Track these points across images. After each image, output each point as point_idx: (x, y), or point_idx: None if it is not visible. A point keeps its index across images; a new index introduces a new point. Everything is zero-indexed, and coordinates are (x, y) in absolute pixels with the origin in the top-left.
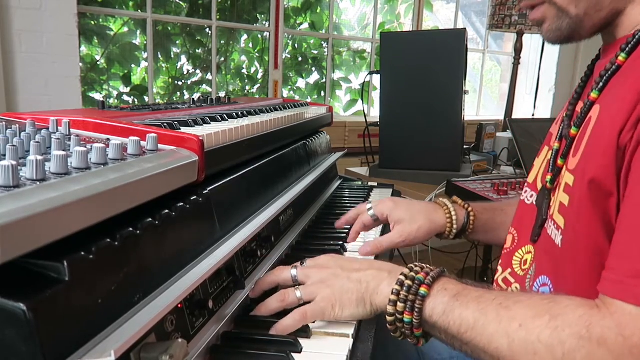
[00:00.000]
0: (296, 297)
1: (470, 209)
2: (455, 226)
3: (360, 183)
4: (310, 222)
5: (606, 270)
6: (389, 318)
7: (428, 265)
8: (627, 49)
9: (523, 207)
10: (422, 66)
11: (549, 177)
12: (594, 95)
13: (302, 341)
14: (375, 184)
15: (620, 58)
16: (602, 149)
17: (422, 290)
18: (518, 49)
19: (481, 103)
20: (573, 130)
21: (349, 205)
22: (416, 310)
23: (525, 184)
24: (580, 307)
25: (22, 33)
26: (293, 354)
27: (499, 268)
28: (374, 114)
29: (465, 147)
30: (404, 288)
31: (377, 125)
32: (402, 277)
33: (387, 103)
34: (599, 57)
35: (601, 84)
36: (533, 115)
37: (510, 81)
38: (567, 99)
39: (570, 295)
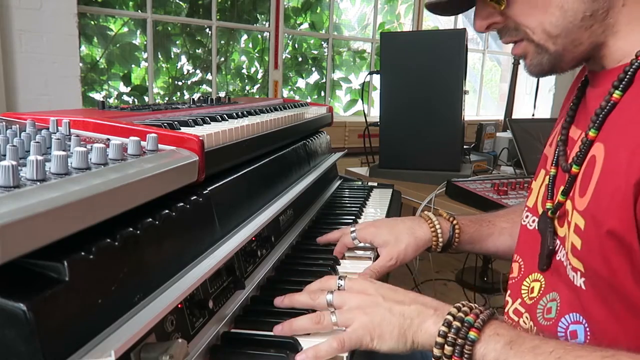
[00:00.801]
0: (331, 321)
1: (455, 222)
2: (441, 239)
3: (360, 183)
4: (310, 222)
5: None
6: None
7: (476, 305)
8: (621, 86)
9: (526, 233)
10: (422, 66)
11: (549, 205)
12: (592, 134)
13: (301, 340)
14: (375, 184)
15: (615, 96)
16: (617, 200)
17: (472, 334)
18: None
19: (481, 103)
20: (574, 169)
21: (349, 205)
22: (465, 355)
23: (525, 209)
24: None
25: (22, 33)
26: (293, 354)
27: (508, 299)
28: (374, 114)
29: (465, 147)
30: (452, 330)
31: (377, 125)
32: (450, 318)
33: (387, 103)
34: (587, 82)
35: (597, 122)
36: (533, 115)
37: (510, 81)
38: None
39: (614, 340)
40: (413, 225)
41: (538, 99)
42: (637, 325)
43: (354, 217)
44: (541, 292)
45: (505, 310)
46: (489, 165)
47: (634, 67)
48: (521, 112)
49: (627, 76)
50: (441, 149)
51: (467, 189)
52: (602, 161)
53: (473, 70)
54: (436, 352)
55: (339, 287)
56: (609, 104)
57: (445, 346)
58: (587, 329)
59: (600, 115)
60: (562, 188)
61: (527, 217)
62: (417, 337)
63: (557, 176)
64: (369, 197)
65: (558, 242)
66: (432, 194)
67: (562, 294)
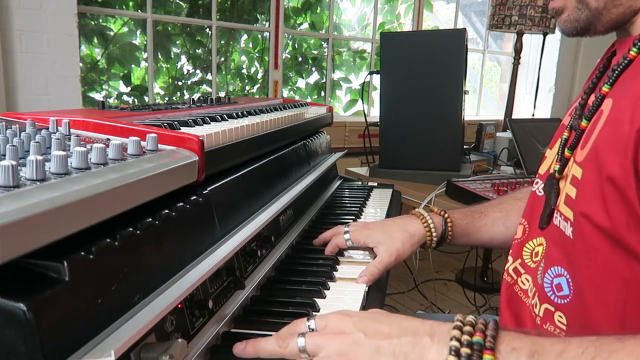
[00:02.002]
0: None
1: (446, 215)
2: (435, 234)
3: (360, 183)
4: (310, 222)
5: None
6: None
7: (474, 318)
8: (639, 44)
9: (534, 198)
10: (422, 66)
11: (557, 167)
12: (605, 88)
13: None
14: (375, 184)
15: (632, 52)
16: (619, 147)
17: (487, 357)
18: (518, 49)
19: (481, 103)
20: (584, 123)
21: (349, 205)
22: None
23: (537, 176)
24: None
25: (22, 33)
26: None
27: (509, 258)
28: (374, 114)
29: (465, 147)
30: (463, 358)
31: (377, 125)
32: (455, 344)
33: (387, 103)
34: (615, 53)
35: (613, 77)
36: (533, 115)
37: (510, 81)
38: (567, 98)
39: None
40: (405, 222)
41: (538, 99)
42: (632, 269)
43: (354, 217)
44: (542, 256)
45: (505, 267)
46: (489, 165)
47: None
48: (521, 112)
49: None
50: (441, 149)
51: (467, 189)
52: (608, 112)
53: (473, 70)
54: None
55: (309, 328)
56: (626, 61)
57: None
58: (569, 280)
59: (617, 71)
60: (570, 144)
61: (536, 183)
62: None
63: (569, 139)
64: (369, 197)
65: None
66: (432, 194)
67: (548, 248)
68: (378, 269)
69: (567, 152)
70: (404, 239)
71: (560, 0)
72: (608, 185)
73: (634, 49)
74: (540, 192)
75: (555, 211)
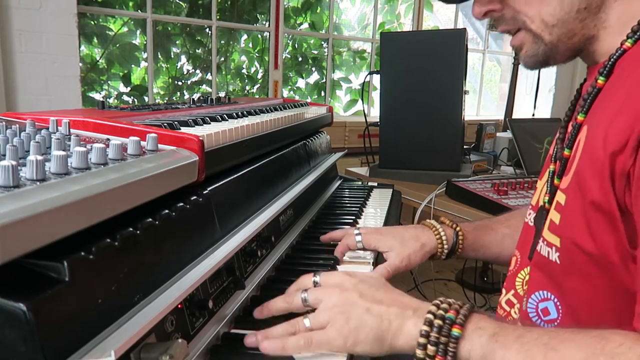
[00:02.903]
0: (305, 327)
1: (458, 228)
2: (446, 246)
3: (360, 183)
4: (310, 222)
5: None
6: None
7: (455, 301)
8: (605, 72)
9: (526, 228)
10: (422, 66)
11: (546, 198)
12: (580, 117)
13: None
14: (375, 184)
15: (599, 81)
16: (596, 171)
17: (455, 331)
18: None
19: (481, 103)
20: (566, 152)
21: (349, 205)
22: (450, 354)
23: (529, 207)
24: (637, 344)
25: (22, 33)
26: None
27: (503, 290)
28: (374, 114)
29: (465, 147)
30: (434, 329)
31: (377, 125)
32: (430, 316)
33: (387, 103)
34: (586, 80)
35: (585, 106)
36: (533, 115)
37: (510, 81)
38: (567, 98)
39: (583, 317)
40: (417, 232)
41: (538, 99)
42: (620, 297)
43: (354, 217)
44: (527, 281)
45: (499, 300)
46: (489, 165)
47: (617, 54)
48: (521, 112)
49: (610, 63)
50: (441, 149)
51: (467, 189)
52: (584, 140)
53: (473, 70)
54: (419, 353)
55: (314, 284)
56: (595, 89)
57: (429, 346)
58: (558, 304)
59: (588, 100)
60: (557, 173)
61: (529, 214)
62: (397, 341)
63: (556, 170)
64: (369, 197)
65: None
66: (432, 194)
67: (531, 274)
68: (388, 272)
69: (556, 181)
70: (416, 248)
71: (518, 39)
72: (592, 210)
73: (601, 78)
74: (531, 222)
75: (540, 240)
